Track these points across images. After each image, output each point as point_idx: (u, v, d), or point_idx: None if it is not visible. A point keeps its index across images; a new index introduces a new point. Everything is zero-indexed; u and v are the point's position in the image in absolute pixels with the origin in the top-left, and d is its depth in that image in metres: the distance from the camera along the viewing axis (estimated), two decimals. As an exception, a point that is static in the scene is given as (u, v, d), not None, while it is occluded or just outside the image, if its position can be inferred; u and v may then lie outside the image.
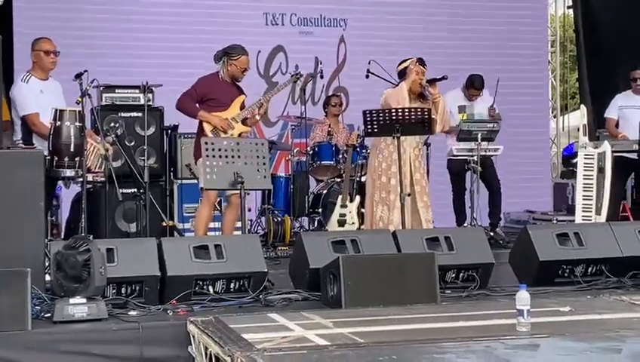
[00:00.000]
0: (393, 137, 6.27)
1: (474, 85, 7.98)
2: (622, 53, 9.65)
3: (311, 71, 9.43)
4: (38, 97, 6.15)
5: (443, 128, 6.70)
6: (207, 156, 5.87)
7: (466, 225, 7.71)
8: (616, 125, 7.90)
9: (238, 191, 5.93)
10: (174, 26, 9.30)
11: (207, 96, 6.63)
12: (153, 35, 9.20)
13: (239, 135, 6.59)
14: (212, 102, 6.63)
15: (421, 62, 6.49)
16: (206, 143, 5.95)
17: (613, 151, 6.77)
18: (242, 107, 6.71)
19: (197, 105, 6.64)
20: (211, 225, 7.07)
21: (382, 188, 6.45)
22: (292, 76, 7.27)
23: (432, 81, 6.42)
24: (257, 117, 6.75)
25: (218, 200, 7.30)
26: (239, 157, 5.89)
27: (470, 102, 8.02)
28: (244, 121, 6.69)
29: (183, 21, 9.34)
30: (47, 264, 4.89)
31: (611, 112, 7.96)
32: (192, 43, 9.08)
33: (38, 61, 6.28)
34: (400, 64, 6.57)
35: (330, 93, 9.58)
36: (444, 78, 6.47)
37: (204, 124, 6.58)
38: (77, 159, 5.66)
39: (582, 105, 7.82)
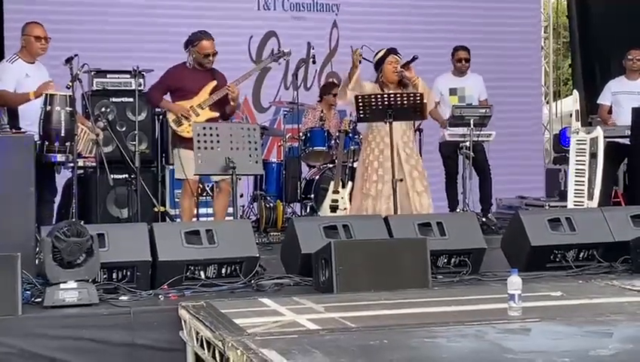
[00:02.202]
0: (385, 122, 6.26)
1: (457, 49, 8.00)
2: (615, 39, 9.64)
3: (303, 56, 9.42)
4: (22, 80, 6.11)
5: (430, 107, 6.71)
6: (199, 141, 5.84)
7: (458, 210, 7.72)
8: (610, 111, 7.90)
9: (228, 177, 5.89)
10: (166, 11, 9.25)
11: (174, 86, 6.60)
12: (144, 19, 9.16)
13: (206, 121, 6.44)
14: (179, 92, 6.58)
15: (393, 51, 6.50)
16: (197, 128, 5.92)
17: (605, 137, 6.77)
18: (212, 93, 6.62)
19: (164, 96, 6.62)
20: (203, 210, 7.06)
21: (368, 180, 6.45)
22: (272, 55, 7.20)
23: (405, 65, 6.44)
24: (232, 102, 6.66)
25: (210, 185, 7.29)
26: (231, 142, 5.87)
27: (460, 77, 8.02)
28: (215, 107, 6.59)
29: (174, 5, 9.30)
30: (37, 249, 4.87)
31: (604, 99, 7.94)
32: (184, 28, 9.00)
33: (27, 46, 6.24)
34: (374, 56, 6.57)
35: (322, 79, 9.55)
36: (414, 58, 6.48)
37: (168, 114, 6.59)
38: (68, 144, 5.64)
39: (575, 91, 7.81)
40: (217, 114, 6.63)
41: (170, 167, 7.65)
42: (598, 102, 8.05)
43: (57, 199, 6.71)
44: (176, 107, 6.53)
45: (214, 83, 6.61)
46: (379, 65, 6.50)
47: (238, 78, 6.68)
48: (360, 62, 6.94)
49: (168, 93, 6.68)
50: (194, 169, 6.00)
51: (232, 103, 6.66)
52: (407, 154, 6.47)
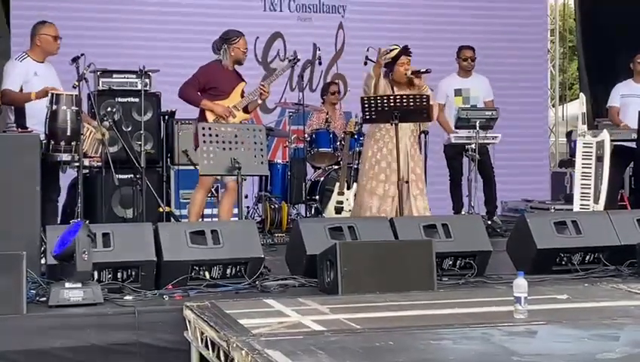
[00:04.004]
0: (391, 124, 6.25)
1: (463, 48, 8.01)
2: (621, 41, 9.61)
3: (309, 57, 9.41)
4: (30, 78, 6.11)
5: (434, 113, 6.70)
6: (205, 142, 5.85)
7: (463, 212, 7.70)
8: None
9: (235, 177, 5.88)
10: (173, 9, 9.23)
11: (209, 84, 6.60)
12: (152, 17, 9.14)
13: (240, 123, 6.58)
14: (213, 90, 6.60)
15: (406, 51, 6.46)
16: (203, 129, 5.93)
17: (612, 140, 6.75)
18: (242, 95, 6.70)
19: (199, 93, 6.62)
20: (207, 211, 7.06)
21: (374, 178, 6.44)
22: (289, 61, 7.23)
23: (416, 73, 6.41)
24: (259, 101, 6.75)
25: (215, 186, 7.29)
26: (237, 143, 5.88)
27: (465, 77, 8.00)
28: (244, 109, 6.68)
29: (182, 3, 9.27)
30: (42, 248, 4.87)
31: (614, 101, 7.92)
32: (190, 26, 9.03)
33: (44, 45, 6.22)
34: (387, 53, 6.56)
35: (328, 80, 9.55)
36: (427, 71, 6.46)
37: (207, 113, 6.55)
38: (73, 143, 5.64)
39: (581, 94, 7.79)
40: (250, 116, 6.77)
41: (176, 167, 7.66)
42: (608, 105, 8.02)
43: (61, 199, 6.73)
44: (219, 107, 6.54)
45: (244, 84, 6.70)
46: (391, 62, 6.47)
47: (267, 80, 6.81)
48: (366, 63, 6.96)
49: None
50: None
51: (259, 102, 6.78)
52: (411, 155, 6.46)
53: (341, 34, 9.83)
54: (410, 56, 6.48)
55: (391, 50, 6.50)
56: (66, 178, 6.41)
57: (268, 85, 6.71)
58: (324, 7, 9.79)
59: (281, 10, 9.67)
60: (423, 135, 7.50)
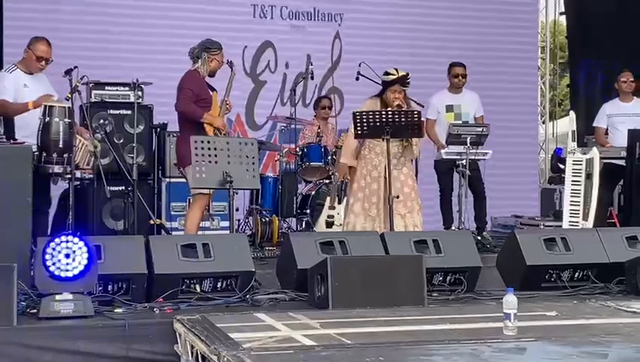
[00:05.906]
0: (382, 139, 6.28)
1: (454, 65, 8.03)
2: (613, 60, 9.68)
3: (302, 70, 9.07)
4: (20, 90, 6.13)
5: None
6: (197, 155, 5.86)
7: (453, 228, 7.72)
8: (605, 133, 7.93)
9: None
10: (161, 22, 9.04)
11: (200, 96, 6.44)
12: (142, 30, 9.00)
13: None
14: (202, 102, 6.45)
15: (402, 80, 6.41)
16: (195, 142, 5.93)
17: (601, 158, 6.79)
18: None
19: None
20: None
21: (354, 196, 6.47)
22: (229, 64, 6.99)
23: (399, 106, 6.40)
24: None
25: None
26: (228, 156, 5.88)
27: (456, 93, 8.03)
28: None
29: (169, 16, 9.05)
30: (33, 259, 4.86)
31: (600, 121, 7.97)
32: (178, 39, 8.79)
33: (27, 61, 6.25)
34: (384, 74, 6.53)
35: (323, 94, 9.27)
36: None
37: (207, 127, 6.39)
38: (65, 155, 5.64)
39: (571, 112, 7.82)
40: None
41: (167, 179, 7.66)
42: (593, 125, 8.08)
43: (52, 210, 6.72)
44: (218, 120, 6.40)
45: (216, 94, 6.59)
46: (384, 85, 6.47)
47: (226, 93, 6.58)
48: (357, 79, 6.96)
49: None
50: None
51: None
52: (394, 176, 6.41)
53: (338, 44, 9.43)
54: (405, 87, 6.44)
55: (389, 74, 6.47)
56: (57, 189, 6.41)
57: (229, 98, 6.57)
58: (320, 15, 9.37)
59: (272, 18, 9.22)
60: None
